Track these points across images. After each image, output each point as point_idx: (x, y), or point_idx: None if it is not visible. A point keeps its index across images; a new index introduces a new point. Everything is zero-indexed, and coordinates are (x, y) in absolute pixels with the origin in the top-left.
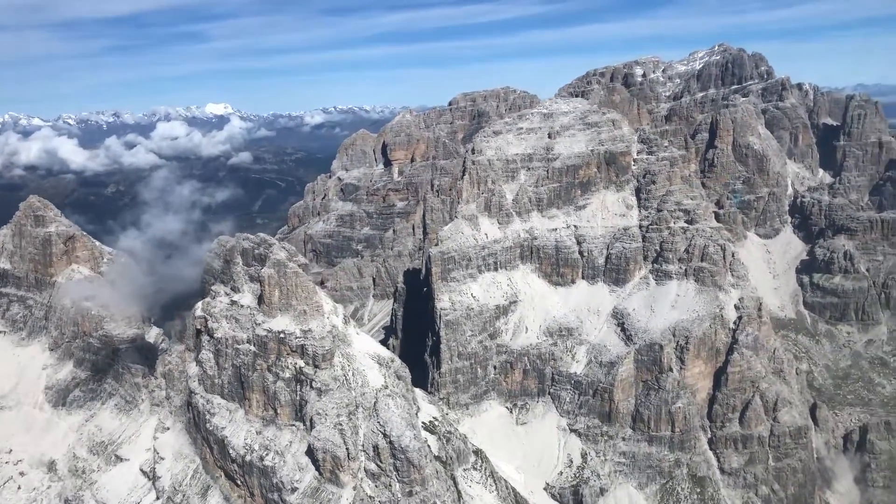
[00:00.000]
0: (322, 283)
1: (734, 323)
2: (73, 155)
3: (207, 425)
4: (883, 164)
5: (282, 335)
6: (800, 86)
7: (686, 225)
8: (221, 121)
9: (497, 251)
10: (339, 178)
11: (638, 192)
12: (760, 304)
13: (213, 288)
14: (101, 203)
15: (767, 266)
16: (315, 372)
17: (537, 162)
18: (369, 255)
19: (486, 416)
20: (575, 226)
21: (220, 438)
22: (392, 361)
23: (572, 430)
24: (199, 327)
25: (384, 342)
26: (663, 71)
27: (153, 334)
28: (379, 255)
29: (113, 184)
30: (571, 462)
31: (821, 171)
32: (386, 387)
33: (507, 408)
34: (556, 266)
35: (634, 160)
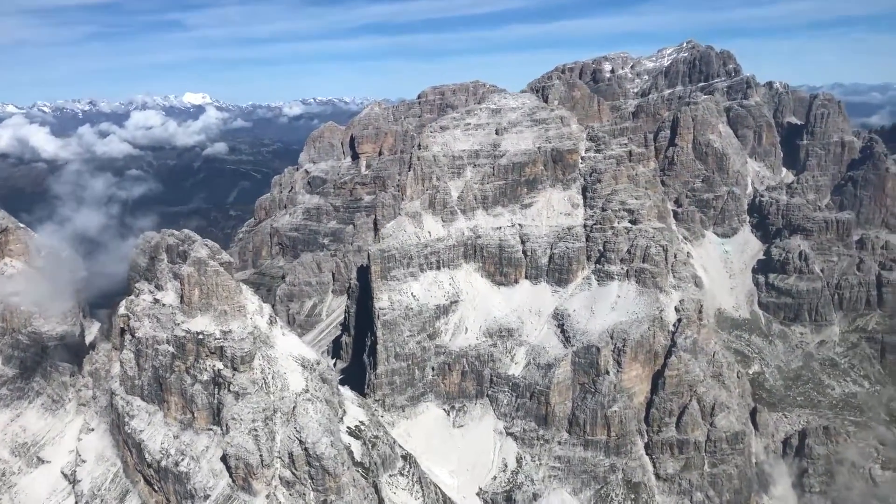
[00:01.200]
0: (283, 278)
1: (673, 325)
2: (45, 143)
3: (126, 428)
4: (845, 164)
5: (200, 336)
6: (770, 84)
7: (630, 225)
8: (199, 111)
9: (440, 250)
10: (307, 171)
11: (584, 190)
12: (701, 306)
13: (137, 285)
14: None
15: (724, 265)
16: (233, 375)
17: (484, 159)
18: (333, 249)
19: (423, 419)
20: (520, 224)
21: (138, 442)
22: (318, 364)
23: (509, 434)
24: (121, 326)
25: (338, 339)
26: (632, 67)
27: (94, 331)
28: (340, 249)
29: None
30: (506, 466)
31: (784, 170)
32: (307, 391)
33: (444, 410)
34: (500, 265)
35: (582, 158)
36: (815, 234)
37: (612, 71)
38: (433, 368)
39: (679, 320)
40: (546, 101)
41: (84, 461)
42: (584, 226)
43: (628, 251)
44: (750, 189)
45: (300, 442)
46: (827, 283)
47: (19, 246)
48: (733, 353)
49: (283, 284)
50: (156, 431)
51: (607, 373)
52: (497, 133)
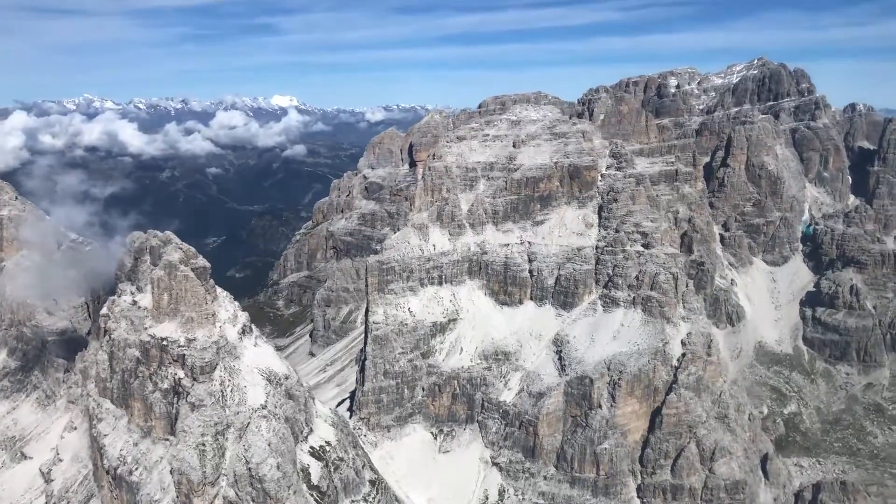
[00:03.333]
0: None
1: (678, 360)
2: (133, 138)
3: (93, 431)
4: None
5: (164, 342)
6: (853, 106)
7: (642, 249)
8: (284, 113)
9: (443, 264)
10: (365, 176)
11: (601, 210)
12: (710, 341)
13: (120, 286)
14: (156, 188)
15: (771, 296)
16: (192, 385)
17: (498, 172)
18: None
19: (408, 441)
20: (529, 242)
21: (101, 446)
22: (285, 378)
23: (495, 464)
24: (102, 326)
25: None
26: (699, 83)
27: None
28: None
29: (168, 169)
30: (487, 498)
31: (852, 196)
32: (264, 406)
33: (431, 433)
34: (504, 284)
35: (602, 176)
36: (870, 267)
37: (678, 86)
38: (423, 389)
39: (683, 355)
40: (591, 115)
41: (61, 460)
42: (596, 247)
43: (637, 277)
44: (807, 216)
45: (246, 461)
46: (879, 322)
47: (34, 235)
48: (769, 391)
49: (322, 289)
50: (118, 437)
51: (600, 406)
52: (514, 146)
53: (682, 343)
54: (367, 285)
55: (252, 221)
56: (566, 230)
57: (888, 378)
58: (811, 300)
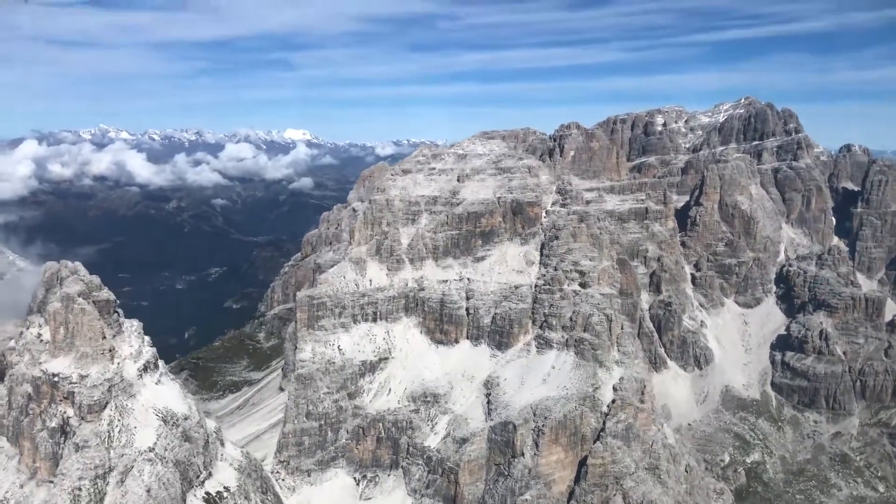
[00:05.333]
0: None
1: (607, 406)
2: (141, 169)
3: None
4: None
5: (56, 378)
6: (848, 147)
7: (579, 289)
8: (294, 146)
9: (379, 300)
10: (354, 209)
11: (543, 247)
12: (644, 387)
13: (29, 317)
14: (162, 217)
15: (742, 338)
16: (80, 424)
17: (441, 206)
18: None
19: (329, 486)
20: (468, 279)
21: None
22: (185, 419)
23: None
24: (6, 359)
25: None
26: (686, 121)
27: None
28: None
29: (175, 199)
30: None
31: (835, 238)
32: (152, 449)
33: (354, 478)
34: (440, 322)
35: (547, 212)
36: (841, 311)
37: (665, 124)
38: (348, 431)
39: (613, 401)
40: (562, 151)
41: None
42: (535, 286)
43: (571, 318)
44: (782, 257)
45: None
46: (849, 368)
47: None
48: (732, 438)
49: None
50: (6, 478)
51: (523, 454)
52: (459, 180)
53: (614, 388)
54: (296, 321)
55: (254, 252)
56: (507, 267)
57: (857, 427)
58: (781, 344)
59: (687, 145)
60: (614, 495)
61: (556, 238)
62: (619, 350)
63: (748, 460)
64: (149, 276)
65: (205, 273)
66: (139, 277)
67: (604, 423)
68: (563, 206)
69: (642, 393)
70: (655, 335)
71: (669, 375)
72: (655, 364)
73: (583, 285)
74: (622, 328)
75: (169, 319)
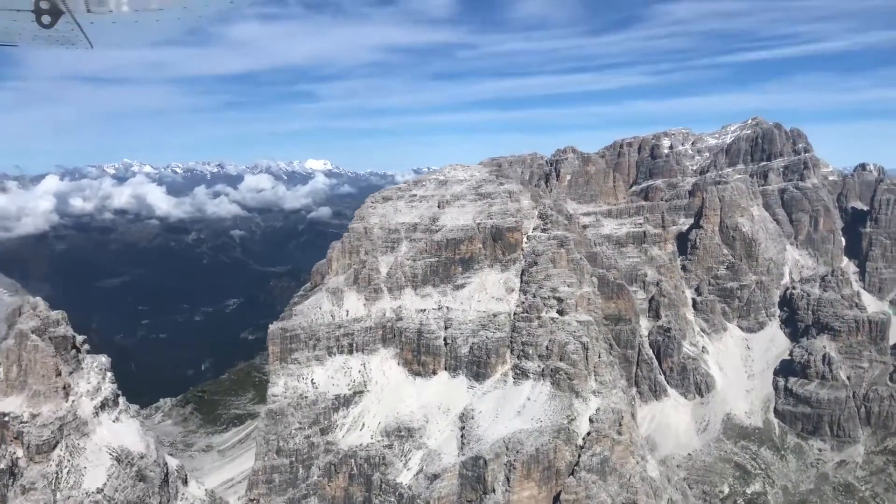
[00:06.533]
0: None
1: (584, 439)
2: (160, 201)
3: None
4: None
5: (6, 418)
6: (863, 166)
7: (557, 316)
8: (313, 176)
9: (355, 331)
10: None
11: (523, 274)
12: (622, 418)
13: None
14: (181, 250)
15: (744, 364)
16: (28, 465)
17: (421, 233)
18: None
19: None
20: (447, 307)
21: None
22: (140, 458)
23: None
24: None
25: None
26: (692, 143)
27: None
28: None
29: (195, 231)
30: None
31: (845, 259)
32: (101, 490)
33: None
34: (417, 353)
35: (528, 238)
36: (844, 334)
37: (671, 147)
38: (319, 468)
39: (588, 433)
40: (558, 175)
41: None
42: (514, 314)
43: (547, 347)
44: (786, 280)
45: None
46: (853, 394)
47: None
48: (733, 468)
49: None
50: None
51: (493, 491)
52: (439, 206)
53: (591, 420)
54: (269, 355)
55: (271, 283)
56: (486, 295)
57: (862, 455)
58: (785, 369)
59: (694, 167)
60: None
61: (536, 264)
62: (596, 379)
63: (749, 491)
64: (168, 309)
65: (223, 304)
66: (158, 310)
67: (579, 456)
68: (543, 230)
69: (620, 424)
70: (655, 362)
71: (669, 404)
72: (655, 392)
73: (560, 312)
74: (599, 356)
75: (187, 351)
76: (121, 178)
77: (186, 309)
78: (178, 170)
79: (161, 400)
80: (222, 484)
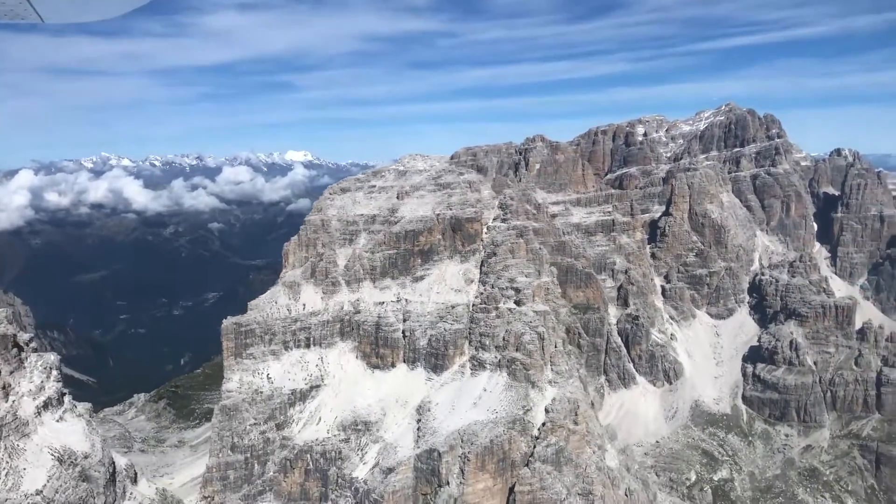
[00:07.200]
0: None
1: (539, 429)
2: (137, 195)
3: None
4: (884, 241)
5: None
6: (839, 151)
7: (514, 306)
8: (292, 168)
9: (312, 325)
10: None
11: (482, 265)
12: (577, 408)
13: None
14: (159, 243)
15: (713, 351)
16: None
17: (379, 225)
18: None
19: None
20: (406, 300)
21: None
22: (84, 458)
23: None
24: None
25: None
26: (667, 131)
27: None
28: None
29: (172, 224)
30: None
31: (817, 244)
32: (40, 492)
33: None
34: (376, 346)
35: (488, 228)
36: (811, 320)
37: (645, 134)
38: (275, 464)
39: (544, 424)
40: (527, 164)
41: None
42: (473, 305)
43: (504, 337)
44: (756, 266)
45: None
46: (819, 379)
47: None
48: (700, 454)
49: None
50: None
51: (448, 483)
52: (399, 197)
53: (546, 410)
54: (223, 350)
55: (251, 276)
56: (445, 286)
57: (828, 440)
58: (753, 356)
59: (668, 154)
60: None
61: (495, 254)
62: (552, 370)
63: (715, 478)
64: (146, 303)
65: (202, 298)
66: (136, 304)
67: (534, 447)
68: (503, 221)
69: (576, 414)
70: (623, 350)
71: (638, 391)
72: (624, 380)
73: (518, 303)
74: (556, 346)
75: (166, 346)
76: (98, 172)
77: (165, 303)
78: (156, 163)
79: (135, 395)
80: (193, 479)
